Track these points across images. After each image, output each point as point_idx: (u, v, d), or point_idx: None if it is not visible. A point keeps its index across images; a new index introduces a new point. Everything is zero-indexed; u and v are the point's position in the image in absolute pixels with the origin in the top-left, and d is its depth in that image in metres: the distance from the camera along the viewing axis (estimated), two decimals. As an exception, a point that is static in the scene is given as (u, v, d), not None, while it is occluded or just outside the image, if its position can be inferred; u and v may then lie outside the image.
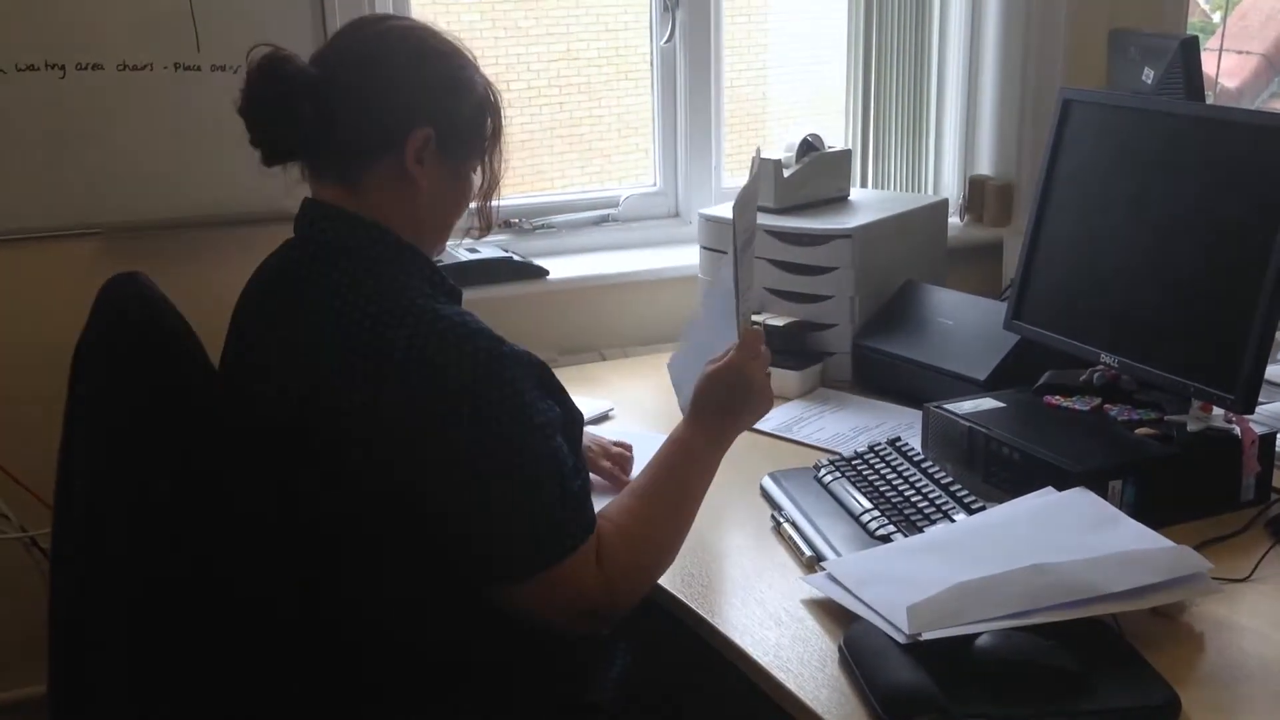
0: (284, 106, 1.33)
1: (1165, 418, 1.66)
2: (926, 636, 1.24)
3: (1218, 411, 1.63)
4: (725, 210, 2.30)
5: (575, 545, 1.30)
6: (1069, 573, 1.30)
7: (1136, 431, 1.65)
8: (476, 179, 1.45)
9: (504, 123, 1.45)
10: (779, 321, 2.15)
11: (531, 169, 2.53)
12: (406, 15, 1.44)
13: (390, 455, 1.26)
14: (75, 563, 1.34)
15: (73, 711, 1.35)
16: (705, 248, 2.29)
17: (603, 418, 2.03)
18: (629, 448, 1.78)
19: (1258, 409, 1.59)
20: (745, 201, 1.53)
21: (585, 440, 1.74)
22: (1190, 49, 2.13)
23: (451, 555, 1.29)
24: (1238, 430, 1.61)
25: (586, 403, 1.98)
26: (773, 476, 1.72)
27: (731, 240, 1.51)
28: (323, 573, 1.34)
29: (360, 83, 1.35)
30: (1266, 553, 1.49)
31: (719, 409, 1.46)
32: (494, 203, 1.48)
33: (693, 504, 1.44)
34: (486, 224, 1.49)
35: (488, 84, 1.44)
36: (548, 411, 1.32)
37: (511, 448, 1.27)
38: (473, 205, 1.47)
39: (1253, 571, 1.45)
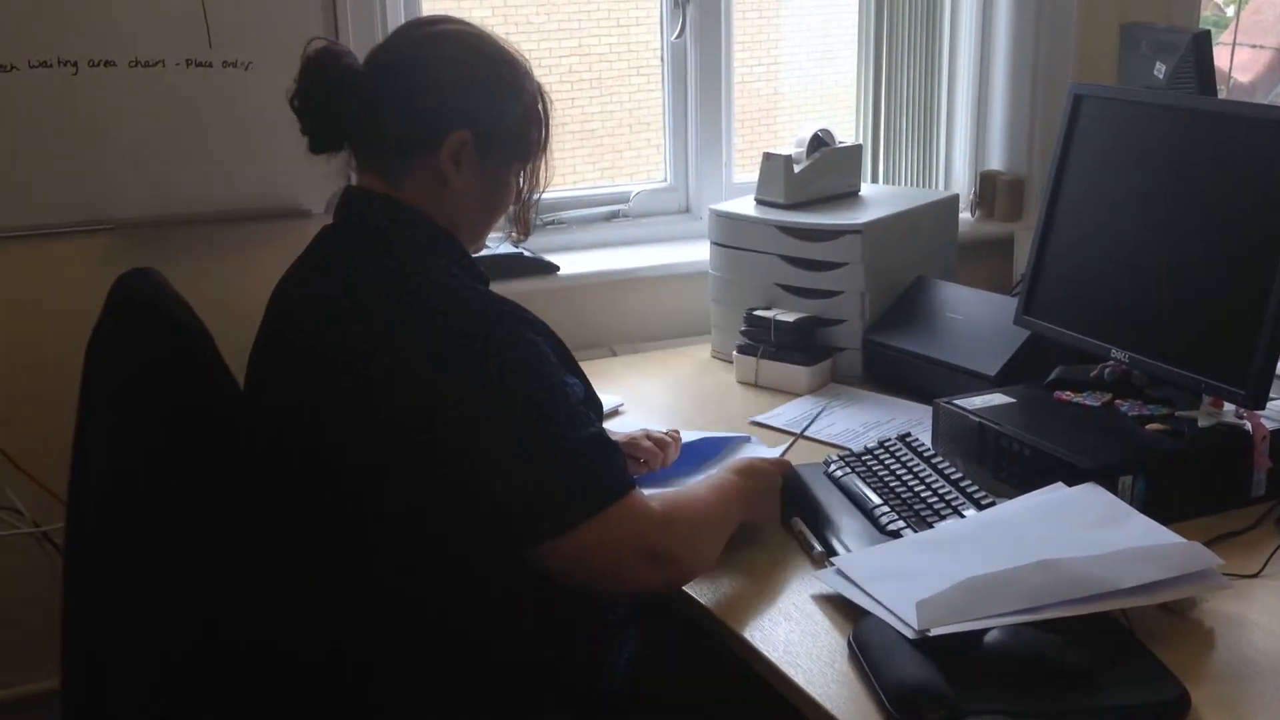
0: (330, 100, 1.39)
1: (1176, 413, 1.66)
2: (936, 632, 1.24)
3: (1229, 407, 1.63)
4: (735, 205, 2.31)
5: (618, 492, 1.30)
6: (1079, 568, 1.30)
7: (1147, 427, 1.65)
8: (517, 184, 1.49)
9: (551, 133, 1.49)
10: (789, 317, 2.15)
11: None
12: (461, 20, 1.46)
13: (423, 423, 1.28)
14: (88, 557, 1.35)
15: (87, 705, 1.36)
16: (716, 243, 2.29)
17: (613, 413, 2.04)
18: (676, 435, 1.80)
19: (1269, 404, 1.59)
20: None
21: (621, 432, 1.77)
22: (1202, 43, 2.12)
23: (494, 520, 1.29)
24: (1249, 426, 1.61)
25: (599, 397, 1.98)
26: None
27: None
28: (349, 555, 1.35)
29: (404, 82, 1.40)
30: (1277, 549, 1.48)
31: (756, 500, 1.55)
32: (534, 209, 1.53)
33: (729, 522, 1.49)
34: (524, 229, 1.54)
35: (539, 93, 1.48)
36: (572, 385, 1.36)
37: (540, 402, 1.29)
38: (512, 209, 1.51)
39: (1263, 567, 1.45)
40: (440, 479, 1.29)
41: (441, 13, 1.49)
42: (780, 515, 1.58)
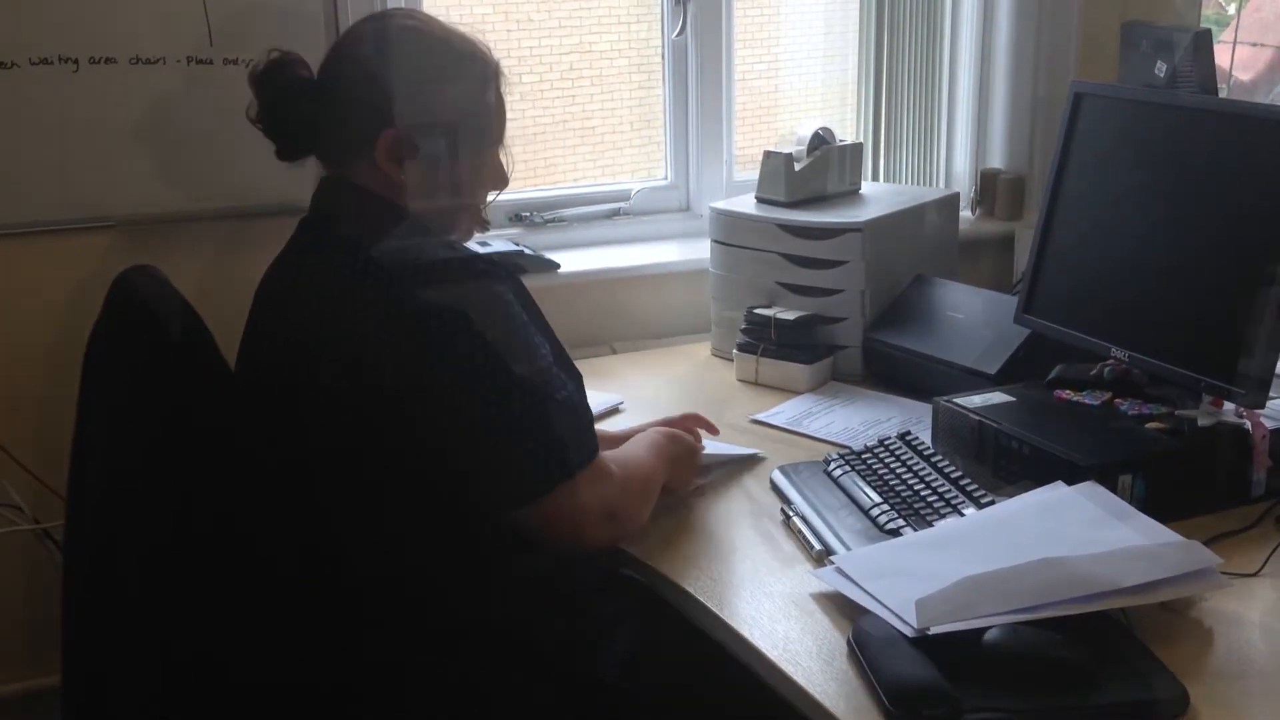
0: (282, 109, 1.42)
1: (1176, 412, 1.66)
2: (935, 631, 1.24)
3: (1228, 406, 1.63)
4: (736, 204, 2.31)
5: (588, 455, 1.36)
6: (1078, 567, 1.30)
7: (1147, 426, 1.65)
8: (476, 170, 1.48)
9: (505, 119, 1.48)
10: (789, 315, 2.15)
11: (543, 162, 2.53)
12: (413, 11, 1.46)
13: (398, 394, 1.29)
14: (88, 554, 1.35)
15: (87, 701, 1.36)
16: (716, 241, 2.29)
17: (613, 410, 2.04)
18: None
19: (1269, 403, 1.59)
20: None
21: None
22: (1203, 42, 2.12)
23: (472, 487, 1.31)
24: (1249, 425, 1.61)
25: (597, 396, 1.98)
26: (783, 470, 1.72)
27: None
28: (341, 540, 1.35)
29: (345, 83, 1.42)
30: (1277, 548, 1.49)
31: (669, 458, 1.60)
32: (484, 202, 1.51)
33: (661, 472, 1.56)
34: (477, 221, 1.53)
35: (489, 78, 1.46)
36: (541, 345, 1.37)
37: (514, 367, 1.31)
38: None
39: (1263, 566, 1.45)
40: (420, 451, 1.30)
41: (396, 6, 1.50)
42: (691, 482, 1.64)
